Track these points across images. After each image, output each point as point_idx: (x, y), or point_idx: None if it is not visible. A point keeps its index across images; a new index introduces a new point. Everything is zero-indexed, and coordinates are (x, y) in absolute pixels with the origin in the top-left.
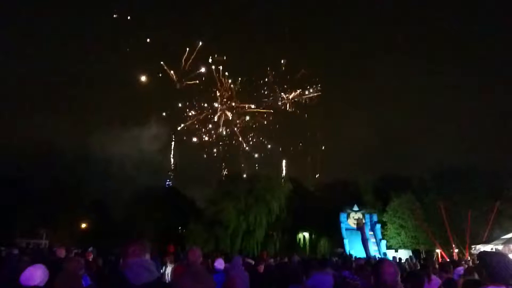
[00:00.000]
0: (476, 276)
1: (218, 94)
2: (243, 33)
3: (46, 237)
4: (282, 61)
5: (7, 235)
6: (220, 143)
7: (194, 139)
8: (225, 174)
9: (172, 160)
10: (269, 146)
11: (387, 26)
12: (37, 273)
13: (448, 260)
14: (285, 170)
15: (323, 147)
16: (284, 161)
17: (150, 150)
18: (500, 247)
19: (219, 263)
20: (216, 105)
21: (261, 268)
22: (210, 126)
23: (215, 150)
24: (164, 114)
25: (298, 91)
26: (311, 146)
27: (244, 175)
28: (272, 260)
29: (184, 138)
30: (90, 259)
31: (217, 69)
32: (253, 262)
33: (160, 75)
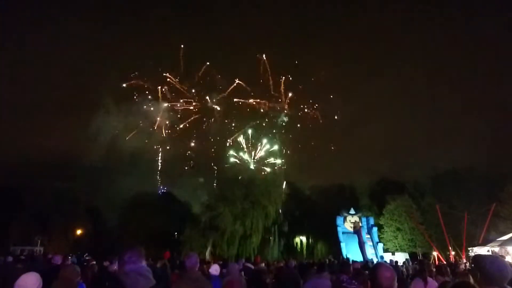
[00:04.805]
0: (471, 279)
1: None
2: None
3: (40, 244)
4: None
5: (1, 243)
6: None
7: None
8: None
9: (159, 165)
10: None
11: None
12: (31, 281)
13: (445, 262)
14: (282, 173)
15: (320, 151)
16: (280, 164)
17: (146, 155)
18: (496, 249)
19: (214, 269)
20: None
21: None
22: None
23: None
24: (158, 119)
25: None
26: (309, 150)
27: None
28: (263, 264)
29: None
30: (96, 270)
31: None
32: (252, 267)
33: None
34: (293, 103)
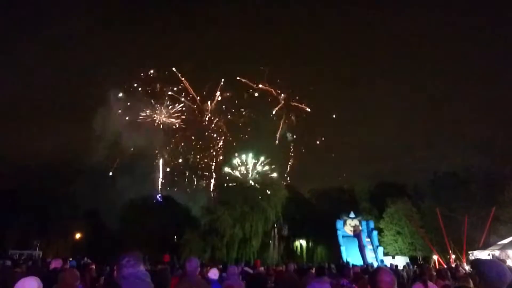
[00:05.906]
0: (471, 284)
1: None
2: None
3: (39, 248)
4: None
5: None
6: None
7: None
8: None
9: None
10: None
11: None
12: (30, 284)
13: (445, 266)
14: (281, 177)
15: (320, 154)
16: (281, 168)
17: (146, 158)
18: (496, 253)
19: (213, 273)
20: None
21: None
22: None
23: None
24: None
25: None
26: (308, 152)
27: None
28: (262, 268)
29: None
30: (94, 274)
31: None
32: (251, 271)
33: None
34: (293, 109)
